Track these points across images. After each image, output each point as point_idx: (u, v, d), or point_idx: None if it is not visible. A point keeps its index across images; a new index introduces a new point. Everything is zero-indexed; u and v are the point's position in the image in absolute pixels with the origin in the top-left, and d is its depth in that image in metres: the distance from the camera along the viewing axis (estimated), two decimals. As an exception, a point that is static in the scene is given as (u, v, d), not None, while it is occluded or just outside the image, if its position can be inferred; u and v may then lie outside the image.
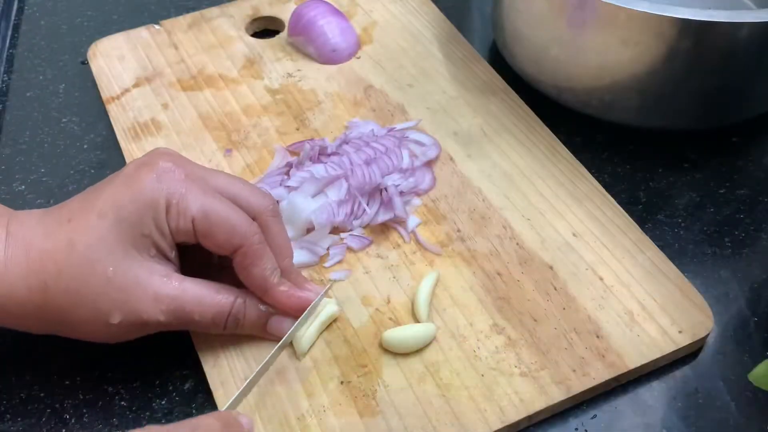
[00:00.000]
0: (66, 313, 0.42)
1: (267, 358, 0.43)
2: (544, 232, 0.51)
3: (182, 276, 0.43)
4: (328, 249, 0.50)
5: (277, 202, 0.48)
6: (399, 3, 0.69)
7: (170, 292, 0.42)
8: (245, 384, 0.42)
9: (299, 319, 0.45)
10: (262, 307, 0.45)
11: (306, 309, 0.45)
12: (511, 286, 0.48)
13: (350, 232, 0.51)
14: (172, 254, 0.43)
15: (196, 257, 0.46)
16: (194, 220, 0.42)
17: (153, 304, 0.42)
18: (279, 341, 0.44)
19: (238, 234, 0.43)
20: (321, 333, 0.46)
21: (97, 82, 0.63)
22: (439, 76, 0.62)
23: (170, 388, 0.45)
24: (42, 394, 0.45)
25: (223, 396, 0.44)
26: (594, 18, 0.53)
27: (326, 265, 0.49)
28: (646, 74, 0.53)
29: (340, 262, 0.50)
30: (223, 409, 0.41)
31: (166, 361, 0.46)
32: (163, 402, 0.45)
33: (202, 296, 0.43)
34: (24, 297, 0.41)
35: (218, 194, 0.44)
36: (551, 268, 0.49)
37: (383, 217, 0.52)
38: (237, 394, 0.42)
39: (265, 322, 0.45)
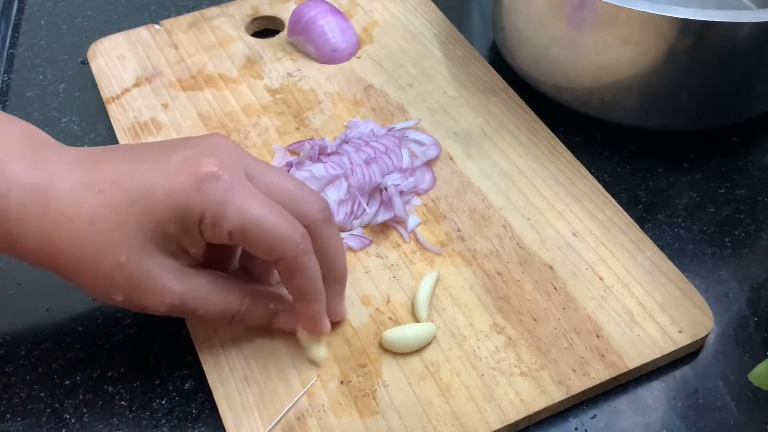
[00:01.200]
0: (73, 275, 0.41)
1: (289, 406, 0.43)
2: (544, 231, 0.51)
3: (195, 271, 0.42)
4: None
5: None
6: (399, 3, 0.69)
7: (178, 289, 0.41)
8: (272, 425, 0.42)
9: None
10: (271, 305, 0.44)
11: (324, 333, 0.44)
12: (511, 285, 0.48)
13: (350, 232, 0.51)
14: (194, 250, 0.42)
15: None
16: (231, 233, 0.40)
17: (158, 297, 0.41)
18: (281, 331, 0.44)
19: (278, 247, 0.40)
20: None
21: (97, 82, 0.63)
22: (439, 76, 0.62)
23: (170, 388, 0.45)
24: (42, 394, 0.45)
25: (223, 396, 0.44)
26: (594, 18, 0.53)
27: None
28: (646, 74, 0.53)
29: (349, 267, 0.50)
30: None
31: (166, 361, 0.46)
32: (163, 402, 0.45)
33: (210, 295, 0.42)
34: (36, 250, 0.40)
35: (265, 198, 0.41)
36: (551, 267, 0.49)
37: (383, 216, 0.52)
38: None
39: (271, 318, 0.45)
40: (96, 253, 0.40)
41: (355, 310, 0.47)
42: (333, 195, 0.52)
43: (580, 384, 0.44)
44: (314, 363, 0.45)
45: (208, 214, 0.40)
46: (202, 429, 0.44)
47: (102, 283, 0.41)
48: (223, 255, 0.46)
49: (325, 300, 0.43)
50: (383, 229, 0.52)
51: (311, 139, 0.57)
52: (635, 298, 0.47)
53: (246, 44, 0.66)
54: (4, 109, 0.62)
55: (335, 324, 0.46)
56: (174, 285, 0.41)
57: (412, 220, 0.52)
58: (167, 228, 0.40)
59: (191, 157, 0.41)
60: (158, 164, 0.41)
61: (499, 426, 0.42)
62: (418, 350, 0.45)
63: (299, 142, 0.57)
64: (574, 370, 0.44)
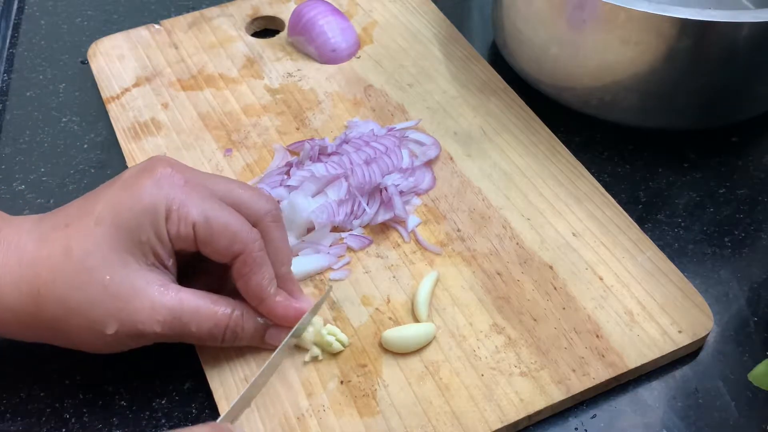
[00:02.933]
0: (59, 321, 0.41)
1: (263, 368, 0.43)
2: (544, 231, 0.51)
3: (179, 286, 0.43)
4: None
5: (278, 201, 0.48)
6: (399, 3, 0.69)
7: (167, 302, 0.41)
8: (238, 397, 0.42)
9: (295, 327, 0.45)
10: (260, 319, 0.44)
11: (299, 320, 0.44)
12: (511, 285, 0.48)
13: (350, 232, 0.51)
14: (170, 262, 0.43)
15: (193, 268, 0.45)
16: (195, 225, 0.41)
17: (150, 314, 0.41)
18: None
19: (239, 241, 0.42)
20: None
21: (97, 81, 0.63)
22: (439, 76, 0.62)
23: (170, 388, 0.45)
24: (42, 394, 0.45)
25: (223, 396, 0.44)
26: (594, 18, 0.53)
27: (336, 277, 0.49)
28: (646, 74, 0.53)
29: (348, 263, 0.50)
30: (218, 421, 0.41)
31: (166, 360, 0.46)
32: (163, 402, 0.45)
33: (199, 307, 0.42)
34: (16, 305, 0.41)
35: (218, 200, 0.43)
36: (551, 267, 0.49)
37: (383, 216, 0.52)
38: (231, 406, 0.41)
39: (263, 334, 0.45)
40: (79, 284, 0.40)
41: (355, 310, 0.47)
42: (333, 195, 0.52)
43: (580, 384, 0.44)
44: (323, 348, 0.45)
45: (173, 208, 0.41)
46: (202, 429, 0.44)
47: (91, 318, 0.41)
48: (215, 276, 0.46)
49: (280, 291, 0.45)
50: (383, 229, 0.52)
51: (311, 139, 0.57)
52: (635, 298, 0.47)
53: (246, 44, 0.66)
54: (4, 109, 0.63)
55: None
56: (163, 299, 0.41)
57: (412, 220, 0.52)
58: (140, 236, 0.41)
59: (145, 166, 0.43)
60: (115, 183, 0.43)
61: (499, 426, 0.42)
62: (418, 350, 0.45)
63: (299, 142, 0.57)
64: (574, 370, 0.44)
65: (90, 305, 0.40)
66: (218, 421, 0.41)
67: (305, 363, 0.45)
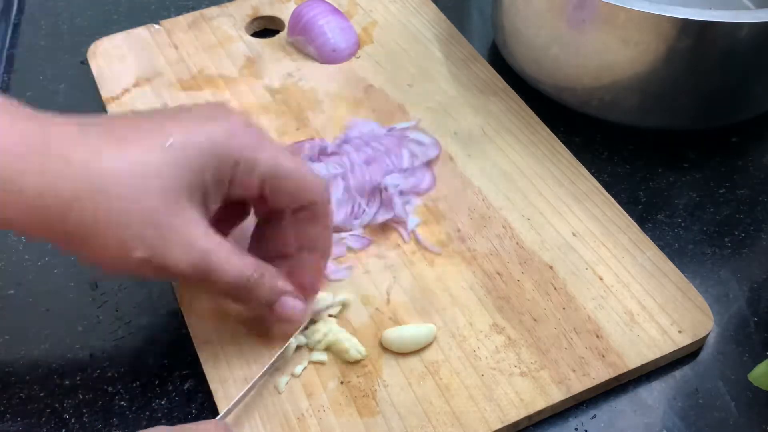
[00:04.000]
0: (88, 228, 0.38)
1: (265, 368, 0.43)
2: (544, 231, 0.51)
3: (216, 232, 0.42)
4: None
5: None
6: (399, 3, 0.69)
7: (204, 245, 0.40)
8: (240, 394, 0.42)
9: (302, 326, 0.45)
10: (280, 283, 0.44)
11: (315, 294, 0.46)
12: (511, 285, 0.48)
13: (350, 232, 0.51)
14: (214, 206, 0.42)
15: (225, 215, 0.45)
16: (263, 176, 0.41)
17: (183, 252, 0.40)
18: (276, 338, 0.44)
19: (311, 191, 0.43)
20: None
21: (97, 82, 0.63)
22: (439, 76, 0.62)
23: (170, 388, 0.45)
24: (42, 394, 0.45)
25: (223, 396, 0.44)
26: (594, 18, 0.53)
27: (332, 276, 0.49)
28: (646, 74, 0.53)
29: (349, 267, 0.50)
30: (218, 418, 0.41)
31: (166, 361, 0.46)
32: (163, 402, 0.45)
33: (230, 256, 0.41)
34: (53, 204, 0.38)
35: (289, 153, 0.43)
36: (551, 267, 0.49)
37: (383, 217, 0.52)
38: (231, 404, 0.42)
39: (275, 300, 0.44)
40: (129, 196, 0.38)
41: (355, 310, 0.47)
42: (333, 195, 0.52)
43: (580, 384, 0.44)
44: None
45: (244, 157, 0.41)
46: (202, 429, 0.44)
47: (122, 237, 0.38)
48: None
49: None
50: (383, 229, 0.52)
51: (311, 139, 0.57)
52: (635, 298, 0.47)
53: (246, 44, 0.66)
54: (4, 109, 0.62)
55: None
56: (200, 241, 0.40)
57: (412, 221, 0.52)
58: (203, 175, 0.40)
59: (220, 106, 0.43)
60: (191, 114, 0.42)
61: (499, 426, 0.42)
62: (418, 350, 0.45)
63: (299, 142, 0.57)
64: (574, 370, 0.44)
65: (126, 225, 0.39)
66: (218, 419, 0.41)
67: (305, 368, 0.45)
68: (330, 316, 0.46)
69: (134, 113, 0.42)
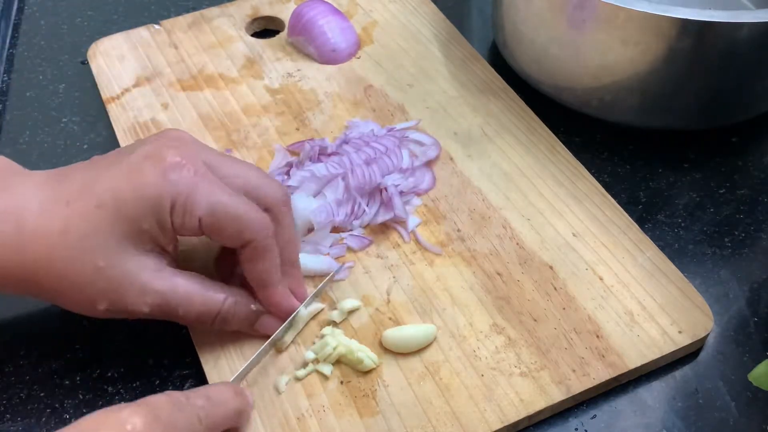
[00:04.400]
0: (54, 292, 0.42)
1: (254, 356, 0.44)
2: (544, 231, 0.51)
3: (175, 270, 0.43)
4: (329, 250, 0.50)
5: None
6: (399, 3, 0.69)
7: (159, 287, 0.42)
8: (249, 361, 0.43)
9: (288, 320, 0.45)
10: (253, 306, 0.45)
11: (291, 313, 0.45)
12: (511, 286, 0.48)
13: (350, 232, 0.51)
14: (170, 247, 0.43)
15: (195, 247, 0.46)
16: (201, 219, 0.41)
17: (139, 297, 0.41)
18: (267, 337, 0.45)
19: (249, 230, 0.42)
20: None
21: (97, 82, 0.63)
22: (439, 76, 0.62)
23: (170, 388, 0.45)
24: (42, 394, 0.45)
25: (223, 396, 0.44)
26: (594, 18, 0.53)
27: (336, 277, 0.49)
28: (646, 74, 0.53)
29: (351, 267, 0.50)
30: (230, 380, 0.42)
31: (166, 361, 0.46)
32: (163, 402, 0.45)
33: (191, 293, 0.42)
34: (13, 269, 0.41)
35: (228, 188, 0.42)
36: (551, 267, 0.49)
37: (383, 217, 0.52)
38: (241, 369, 0.43)
39: (254, 321, 0.45)
40: (73, 263, 0.40)
41: (355, 310, 0.47)
42: (332, 195, 0.52)
43: (580, 384, 0.44)
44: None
45: (178, 202, 0.41)
46: (202, 429, 0.44)
47: (83, 295, 0.41)
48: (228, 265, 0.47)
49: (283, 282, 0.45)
50: (383, 229, 0.52)
51: (311, 139, 0.57)
52: (635, 298, 0.47)
53: (246, 44, 0.66)
54: (4, 109, 0.63)
55: None
56: (154, 283, 0.42)
57: (412, 221, 0.52)
58: (141, 224, 0.41)
59: (152, 152, 0.42)
60: (121, 165, 0.42)
61: (499, 426, 0.42)
62: (418, 350, 0.45)
63: (299, 142, 0.57)
64: (574, 371, 0.44)
65: (82, 284, 0.41)
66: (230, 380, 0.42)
67: (300, 377, 0.45)
68: (335, 326, 0.46)
69: (75, 168, 0.43)
